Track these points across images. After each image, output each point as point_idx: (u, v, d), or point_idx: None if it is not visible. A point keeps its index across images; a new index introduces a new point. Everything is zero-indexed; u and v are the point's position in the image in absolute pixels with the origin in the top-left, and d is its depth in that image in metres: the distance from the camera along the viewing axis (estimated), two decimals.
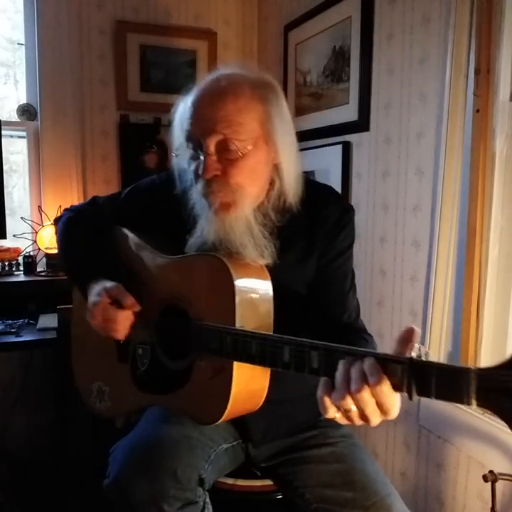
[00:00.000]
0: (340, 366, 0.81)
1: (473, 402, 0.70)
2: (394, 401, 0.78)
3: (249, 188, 1.05)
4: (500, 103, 1.41)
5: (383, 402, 0.78)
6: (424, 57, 1.65)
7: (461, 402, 0.71)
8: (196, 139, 1.04)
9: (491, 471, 1.31)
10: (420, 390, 0.75)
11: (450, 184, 1.55)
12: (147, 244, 1.20)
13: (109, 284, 1.11)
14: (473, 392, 0.69)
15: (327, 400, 0.81)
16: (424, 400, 1.66)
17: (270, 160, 1.08)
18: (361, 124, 1.93)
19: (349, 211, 1.18)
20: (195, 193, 1.09)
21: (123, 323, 1.09)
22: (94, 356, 1.26)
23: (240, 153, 1.02)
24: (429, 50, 1.63)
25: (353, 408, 0.79)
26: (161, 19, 2.54)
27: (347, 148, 2.02)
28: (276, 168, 1.10)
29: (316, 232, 1.13)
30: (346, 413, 0.81)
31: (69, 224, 1.31)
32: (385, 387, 0.76)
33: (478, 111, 1.43)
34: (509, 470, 1.35)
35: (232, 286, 0.99)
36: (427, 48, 1.64)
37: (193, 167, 1.07)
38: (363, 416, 0.80)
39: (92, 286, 1.13)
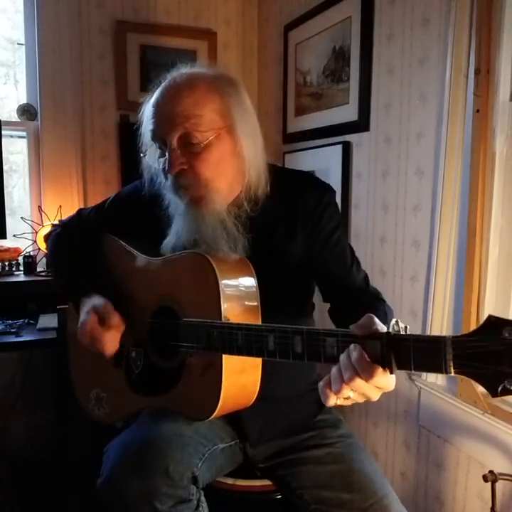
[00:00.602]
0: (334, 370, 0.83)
1: (452, 370, 0.71)
2: (388, 379, 0.79)
3: (218, 182, 1.07)
4: (500, 103, 1.41)
5: (379, 386, 0.80)
6: (424, 57, 1.65)
7: (440, 372, 0.72)
8: (160, 137, 1.07)
9: (491, 471, 1.31)
10: (399, 363, 0.76)
11: (450, 184, 1.55)
12: (134, 249, 1.21)
13: (97, 301, 1.13)
14: (450, 360, 0.71)
15: (327, 390, 0.83)
16: (424, 399, 1.67)
17: (237, 152, 1.09)
18: (361, 124, 1.93)
19: (327, 192, 1.17)
20: (168, 191, 1.11)
21: (109, 343, 1.11)
22: (90, 364, 1.26)
23: (202, 145, 1.04)
24: (429, 50, 1.63)
25: (351, 395, 0.81)
26: (161, 19, 2.54)
27: (347, 148, 2.02)
28: (244, 159, 1.10)
29: (295, 219, 1.14)
30: (346, 400, 0.83)
31: (57, 241, 1.33)
32: (377, 377, 0.78)
33: (478, 111, 1.43)
34: (509, 470, 1.35)
35: (216, 281, 1.00)
36: (427, 47, 1.64)
37: (161, 166, 1.09)
38: (363, 396, 0.82)
39: (83, 303, 1.16)
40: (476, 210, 1.45)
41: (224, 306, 1.00)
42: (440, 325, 1.61)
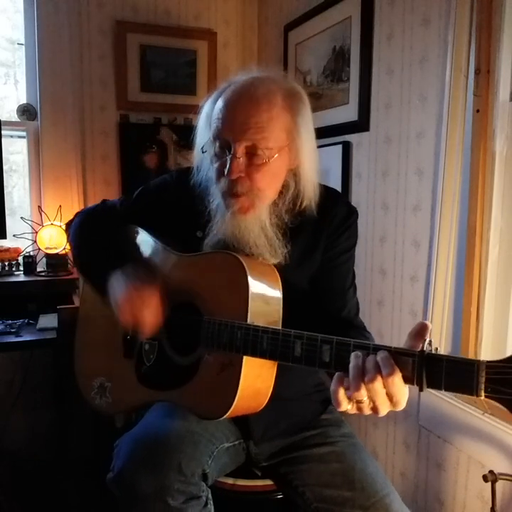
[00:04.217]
0: (354, 359, 0.83)
1: (482, 393, 0.72)
2: (403, 393, 0.80)
3: (268, 192, 1.10)
4: (500, 103, 1.41)
5: (394, 394, 0.80)
6: (424, 57, 1.65)
7: (470, 394, 0.73)
8: (225, 139, 1.07)
9: (491, 471, 1.31)
10: (430, 382, 0.77)
11: (450, 184, 1.55)
12: (159, 241, 1.21)
13: (131, 276, 1.11)
14: (482, 384, 0.72)
15: (341, 393, 0.83)
16: (424, 399, 1.67)
17: (289, 166, 1.12)
18: (361, 124, 1.93)
19: (354, 213, 1.23)
20: (216, 190, 1.11)
21: (153, 319, 1.09)
22: (98, 352, 1.26)
23: (265, 160, 1.05)
24: (429, 50, 1.63)
25: (365, 399, 0.81)
26: (161, 19, 2.54)
27: (347, 148, 2.02)
28: (292, 172, 1.13)
29: (322, 230, 1.17)
30: (358, 404, 0.82)
31: (82, 226, 1.33)
32: (397, 378, 0.78)
33: (478, 111, 1.43)
34: (509, 470, 1.35)
35: (246, 282, 1.01)
36: (427, 47, 1.64)
37: (216, 164, 1.10)
38: (374, 407, 0.82)
39: (112, 282, 1.13)
40: (476, 209, 1.45)
41: (251, 307, 1.00)
42: (440, 325, 1.61)
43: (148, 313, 1.08)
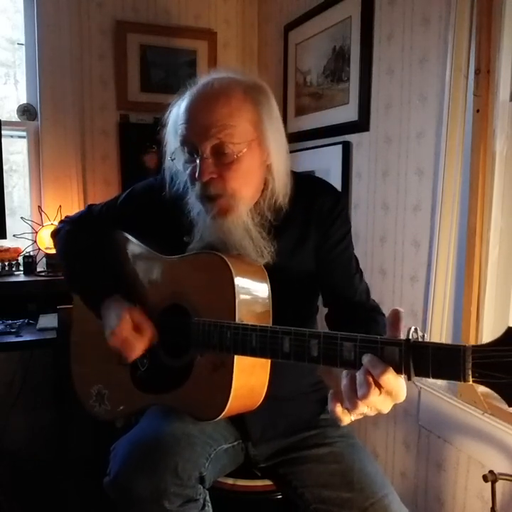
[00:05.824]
0: (344, 377, 0.82)
1: (470, 378, 0.71)
2: (400, 385, 0.79)
3: (245, 191, 1.08)
4: (500, 103, 1.41)
5: (391, 390, 0.78)
6: (424, 57, 1.65)
7: (458, 379, 0.72)
8: (191, 143, 1.06)
9: (491, 471, 1.31)
10: (418, 370, 0.76)
11: (450, 184, 1.55)
12: (146, 246, 1.21)
13: (127, 305, 1.11)
14: (469, 369, 0.71)
15: (339, 410, 0.83)
16: (424, 399, 1.67)
17: (263, 161, 1.10)
18: (361, 124, 1.93)
19: (341, 198, 1.20)
20: (192, 196, 1.11)
21: (138, 351, 1.10)
22: (93, 360, 1.26)
23: (235, 157, 1.04)
24: (429, 50, 1.63)
25: (366, 410, 0.81)
26: (161, 19, 2.54)
27: (347, 148, 2.02)
28: (269, 168, 1.12)
29: (310, 221, 1.15)
30: (361, 415, 0.82)
31: (68, 237, 1.31)
32: (389, 375, 0.77)
33: (478, 111, 1.43)
34: (509, 470, 1.35)
35: (232, 282, 1.00)
36: (427, 47, 1.64)
37: (189, 170, 1.09)
38: (376, 409, 0.81)
39: (108, 305, 1.13)
40: (476, 210, 1.45)
41: (238, 307, 1.00)
42: (440, 325, 1.61)
43: (138, 346, 1.09)
